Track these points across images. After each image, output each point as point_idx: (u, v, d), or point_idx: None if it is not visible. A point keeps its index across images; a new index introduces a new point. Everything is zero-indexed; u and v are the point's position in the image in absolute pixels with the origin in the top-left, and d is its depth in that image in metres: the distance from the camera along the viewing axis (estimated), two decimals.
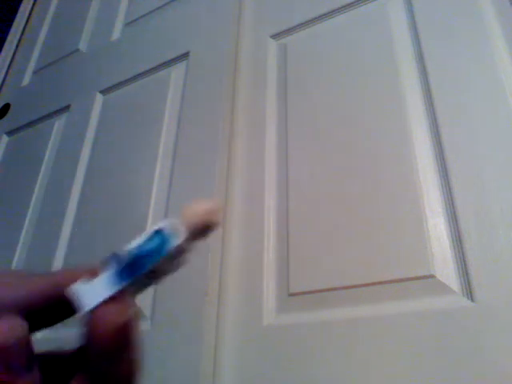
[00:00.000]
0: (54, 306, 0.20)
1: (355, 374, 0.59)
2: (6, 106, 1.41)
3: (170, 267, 0.21)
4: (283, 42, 0.94)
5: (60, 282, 0.20)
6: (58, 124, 1.23)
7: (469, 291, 0.57)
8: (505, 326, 0.54)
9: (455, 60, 0.72)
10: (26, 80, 1.45)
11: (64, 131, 1.19)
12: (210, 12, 1.07)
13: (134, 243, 0.20)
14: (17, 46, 1.58)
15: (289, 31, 0.94)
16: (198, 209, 0.21)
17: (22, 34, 1.61)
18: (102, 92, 1.18)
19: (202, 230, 0.21)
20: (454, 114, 0.68)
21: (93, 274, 0.20)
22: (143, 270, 0.19)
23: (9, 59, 1.55)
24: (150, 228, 0.20)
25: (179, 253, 0.20)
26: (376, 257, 0.65)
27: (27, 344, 0.18)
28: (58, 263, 0.95)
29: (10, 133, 1.34)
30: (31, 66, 1.47)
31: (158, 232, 0.20)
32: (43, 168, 1.16)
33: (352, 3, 0.88)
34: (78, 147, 1.10)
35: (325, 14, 0.91)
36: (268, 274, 0.72)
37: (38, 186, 1.13)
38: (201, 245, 0.76)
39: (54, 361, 0.21)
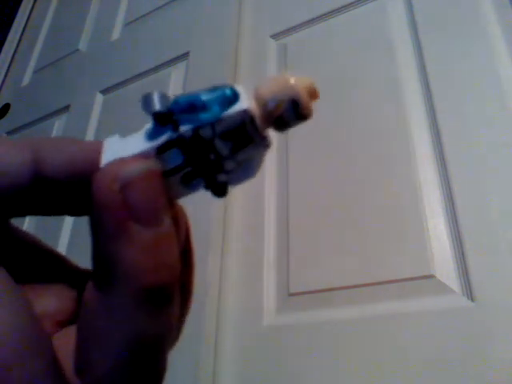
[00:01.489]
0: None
1: (355, 374, 0.59)
2: (6, 106, 1.41)
3: (227, 153, 0.14)
4: (283, 42, 0.94)
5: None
6: (58, 124, 1.23)
7: (469, 291, 0.57)
8: (505, 326, 0.54)
9: (455, 60, 0.72)
10: (26, 80, 1.45)
11: (64, 131, 1.19)
12: (210, 12, 1.07)
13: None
14: (17, 46, 1.58)
15: (289, 31, 0.94)
16: (287, 78, 0.14)
17: (22, 34, 1.61)
18: (102, 92, 1.18)
19: (284, 107, 0.14)
20: (454, 114, 0.68)
21: None
22: (192, 124, 0.13)
23: (9, 59, 1.55)
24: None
25: (245, 130, 0.13)
26: (376, 257, 0.65)
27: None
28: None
29: (10, 133, 1.34)
30: (31, 65, 1.47)
31: (223, 87, 0.14)
32: None
33: (352, 3, 0.88)
34: None
35: (325, 14, 0.91)
36: (268, 274, 0.72)
37: None
38: (201, 244, 0.76)
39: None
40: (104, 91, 1.17)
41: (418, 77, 0.75)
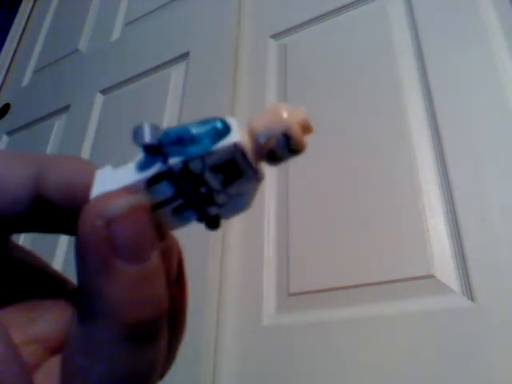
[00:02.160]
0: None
1: (355, 374, 0.59)
2: (6, 106, 1.41)
3: (218, 186, 0.14)
4: (283, 42, 0.94)
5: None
6: (58, 124, 1.23)
7: (469, 291, 0.57)
8: (504, 326, 0.54)
9: (455, 60, 0.72)
10: (26, 80, 1.45)
11: (64, 131, 1.19)
12: (209, 12, 1.07)
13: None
14: (17, 46, 1.58)
15: (289, 31, 0.94)
16: (280, 111, 0.14)
17: (22, 33, 1.61)
18: (102, 92, 1.18)
19: (276, 141, 0.14)
20: (454, 114, 0.68)
21: None
22: (181, 157, 0.13)
23: (9, 59, 1.55)
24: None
25: (236, 164, 0.13)
26: (376, 257, 0.65)
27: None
28: (58, 263, 0.95)
29: (10, 133, 1.34)
30: (31, 65, 1.47)
31: (214, 120, 0.13)
32: None
33: (352, 3, 0.88)
34: (77, 147, 1.10)
35: (325, 14, 0.91)
36: (268, 274, 0.72)
37: None
38: (200, 245, 0.75)
39: None
40: (104, 91, 1.17)
41: (418, 77, 0.75)
